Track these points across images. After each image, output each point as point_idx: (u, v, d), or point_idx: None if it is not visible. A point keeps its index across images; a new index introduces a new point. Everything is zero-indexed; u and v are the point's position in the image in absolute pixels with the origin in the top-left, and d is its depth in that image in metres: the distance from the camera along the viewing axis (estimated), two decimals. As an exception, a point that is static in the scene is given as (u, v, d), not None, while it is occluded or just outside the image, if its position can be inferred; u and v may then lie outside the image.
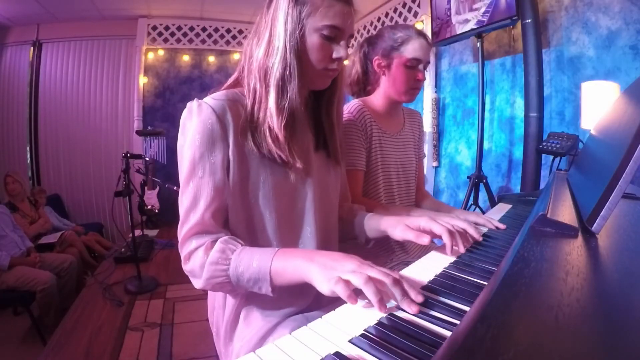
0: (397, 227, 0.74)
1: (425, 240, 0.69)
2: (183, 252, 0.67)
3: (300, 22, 0.66)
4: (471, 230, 0.77)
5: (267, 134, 0.68)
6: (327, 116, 0.80)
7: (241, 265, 0.61)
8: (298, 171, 0.71)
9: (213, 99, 0.68)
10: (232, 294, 0.73)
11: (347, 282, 0.50)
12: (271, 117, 0.67)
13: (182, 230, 0.67)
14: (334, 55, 0.70)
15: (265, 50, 0.68)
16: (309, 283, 0.56)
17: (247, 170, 0.69)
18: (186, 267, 0.68)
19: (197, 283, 0.67)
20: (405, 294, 0.50)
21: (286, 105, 0.67)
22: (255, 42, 0.70)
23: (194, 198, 0.66)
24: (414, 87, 1.09)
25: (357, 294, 0.51)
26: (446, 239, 0.70)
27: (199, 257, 0.65)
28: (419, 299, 0.50)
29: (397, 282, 0.51)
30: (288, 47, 0.66)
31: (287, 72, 0.66)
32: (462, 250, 0.71)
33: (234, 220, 0.71)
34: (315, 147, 0.80)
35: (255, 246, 0.71)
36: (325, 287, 0.52)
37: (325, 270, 0.54)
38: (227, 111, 0.67)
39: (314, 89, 0.75)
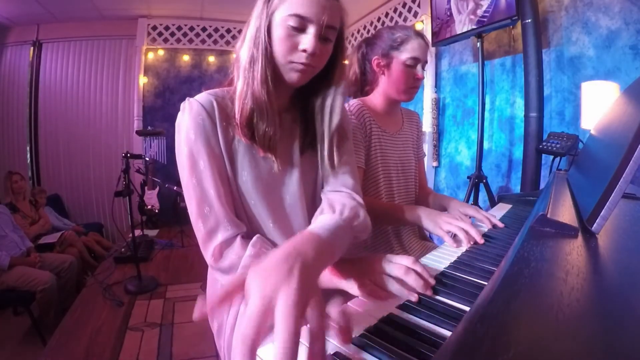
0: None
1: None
2: (209, 247, 0.65)
3: (269, 14, 0.66)
4: (472, 232, 0.78)
5: (234, 122, 0.69)
6: (328, 119, 0.76)
7: None
8: (274, 160, 0.71)
9: (202, 96, 0.70)
10: None
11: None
12: (235, 105, 0.69)
13: (200, 225, 0.66)
14: (299, 47, 0.66)
15: (241, 43, 0.71)
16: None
17: (237, 164, 0.70)
18: (216, 265, 0.66)
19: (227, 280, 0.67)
20: (418, 279, 0.58)
21: (248, 93, 0.67)
22: None
23: (202, 190, 0.66)
24: (413, 86, 1.10)
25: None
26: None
27: (231, 258, 0.65)
28: (432, 281, 0.59)
29: (409, 270, 0.59)
30: (253, 38, 0.67)
31: (250, 63, 0.67)
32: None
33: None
34: (302, 145, 0.78)
35: None
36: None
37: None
38: (214, 107, 0.69)
39: (287, 84, 0.72)
